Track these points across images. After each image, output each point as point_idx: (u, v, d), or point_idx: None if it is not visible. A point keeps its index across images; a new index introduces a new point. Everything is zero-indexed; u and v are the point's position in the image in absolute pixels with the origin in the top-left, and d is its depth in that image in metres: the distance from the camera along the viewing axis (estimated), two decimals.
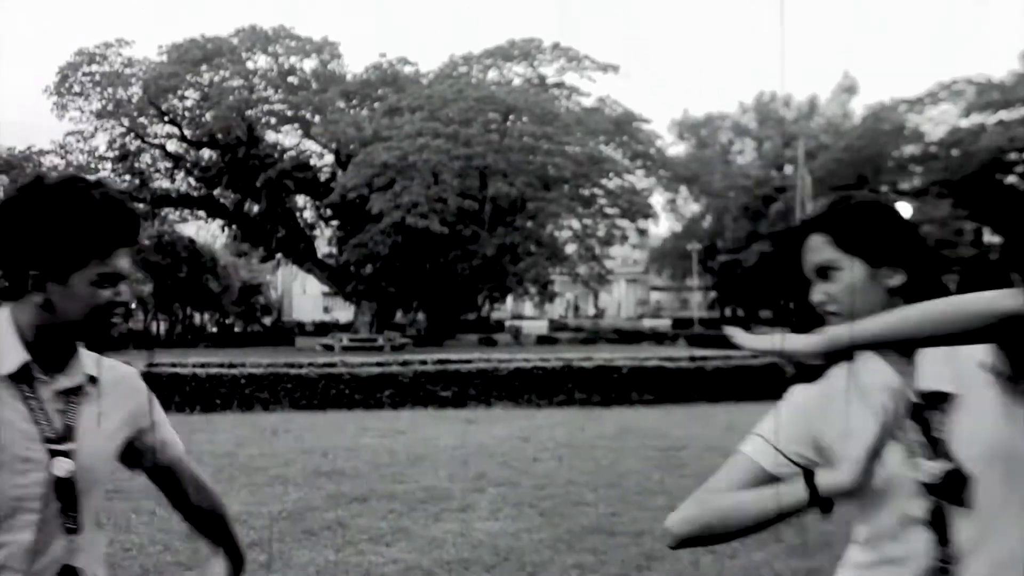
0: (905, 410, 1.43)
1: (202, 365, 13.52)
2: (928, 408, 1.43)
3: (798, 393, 1.58)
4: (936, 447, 1.41)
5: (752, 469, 1.56)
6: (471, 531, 5.67)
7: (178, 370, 12.84)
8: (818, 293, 1.51)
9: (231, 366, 13.50)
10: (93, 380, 1.61)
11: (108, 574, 1.66)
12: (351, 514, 6.12)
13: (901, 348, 1.45)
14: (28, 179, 1.59)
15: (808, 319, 1.56)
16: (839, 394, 1.47)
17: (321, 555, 5.12)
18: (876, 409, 1.37)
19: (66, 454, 1.51)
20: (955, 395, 1.43)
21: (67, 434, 1.53)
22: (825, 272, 1.50)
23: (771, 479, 1.53)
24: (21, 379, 1.52)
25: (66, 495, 1.50)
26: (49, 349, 1.56)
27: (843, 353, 1.43)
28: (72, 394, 1.57)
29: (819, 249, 1.51)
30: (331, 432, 10.17)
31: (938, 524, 1.41)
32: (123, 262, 1.56)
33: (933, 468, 1.40)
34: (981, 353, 1.42)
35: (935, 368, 1.45)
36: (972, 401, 1.42)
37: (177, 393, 12.40)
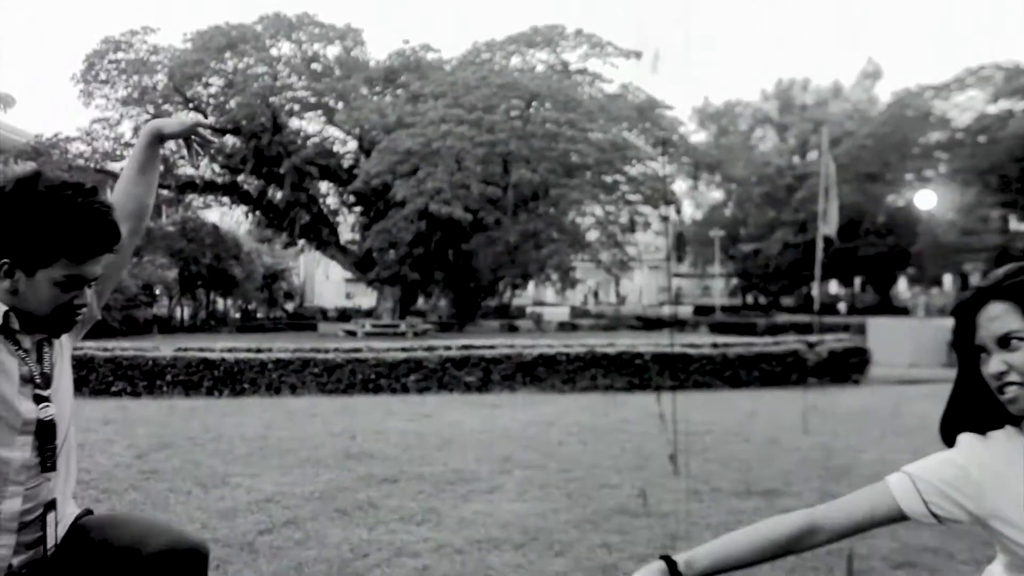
0: None
1: (230, 350, 13.71)
2: None
3: (966, 445, 1.55)
4: None
5: (889, 503, 1.56)
6: (499, 511, 5.78)
7: (207, 355, 13.05)
8: (997, 363, 1.48)
9: (258, 351, 13.68)
10: None
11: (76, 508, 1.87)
12: (382, 495, 6.25)
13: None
14: (27, 174, 1.70)
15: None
16: (1014, 461, 1.50)
17: (354, 533, 5.25)
18: None
19: (47, 399, 1.68)
20: None
21: (45, 381, 1.69)
22: (1007, 342, 1.47)
23: (901, 518, 1.57)
24: (5, 333, 1.68)
25: (45, 436, 1.68)
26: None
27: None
28: (45, 344, 1.74)
29: (1001, 318, 1.48)
30: (358, 416, 10.31)
31: None
32: (93, 268, 1.69)
33: None
34: None
35: None
36: None
37: (206, 377, 12.65)
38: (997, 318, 1.48)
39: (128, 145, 36.91)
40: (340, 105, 36.02)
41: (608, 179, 36.44)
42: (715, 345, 14.97)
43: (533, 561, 4.73)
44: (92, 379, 12.74)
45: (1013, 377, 1.46)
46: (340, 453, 7.85)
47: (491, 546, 5.01)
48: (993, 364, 1.48)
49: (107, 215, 1.74)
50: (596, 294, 61.24)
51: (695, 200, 50.09)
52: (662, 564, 1.55)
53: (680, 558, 1.55)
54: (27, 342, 1.76)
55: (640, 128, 37.25)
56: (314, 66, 36.39)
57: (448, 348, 14.17)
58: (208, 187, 38.98)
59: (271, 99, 35.50)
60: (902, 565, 4.61)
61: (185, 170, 38.42)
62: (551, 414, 10.66)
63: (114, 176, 37.68)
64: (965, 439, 1.56)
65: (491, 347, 14.44)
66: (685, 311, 47.79)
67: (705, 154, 42.56)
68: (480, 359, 13.59)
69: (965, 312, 1.53)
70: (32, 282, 1.68)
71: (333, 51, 37.17)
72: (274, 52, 36.36)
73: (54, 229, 1.66)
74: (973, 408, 1.56)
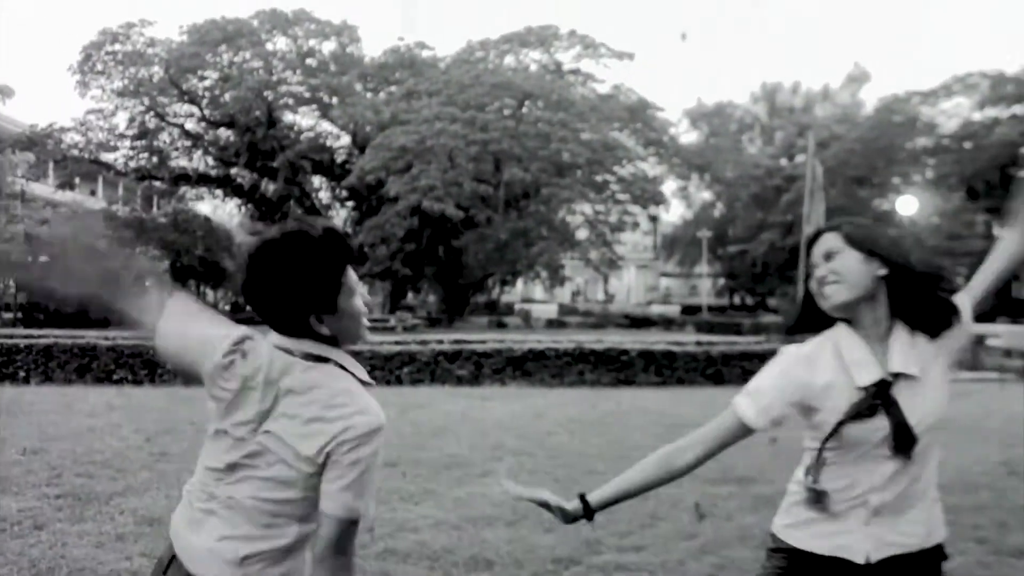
0: (876, 383, 1.97)
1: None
2: (894, 385, 1.97)
3: (785, 354, 2.07)
4: (893, 414, 1.96)
5: (734, 423, 2.07)
6: (492, 493, 6.19)
7: None
8: (822, 270, 2.03)
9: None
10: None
11: None
12: (381, 477, 6.64)
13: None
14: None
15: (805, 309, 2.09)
16: (824, 356, 2.02)
17: None
18: (851, 375, 1.97)
19: None
20: (917, 377, 1.98)
21: None
22: (830, 256, 2.03)
23: (747, 431, 2.06)
24: None
25: None
26: None
27: (827, 321, 2.04)
28: None
29: (828, 241, 2.05)
30: None
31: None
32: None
33: (886, 427, 1.96)
34: (934, 347, 2.03)
35: (903, 353, 1.99)
36: (927, 383, 1.99)
37: None
38: (825, 242, 2.05)
39: (122, 136, 37.21)
40: (334, 101, 36.35)
41: (599, 179, 36.87)
42: (699, 343, 15.41)
43: (524, 536, 5.15)
44: (94, 367, 13.10)
45: (831, 277, 2.00)
46: None
47: (485, 523, 5.43)
48: (819, 271, 2.04)
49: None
50: (576, 293, 61.52)
51: (685, 200, 50.54)
52: (577, 500, 2.14)
53: (591, 495, 2.14)
54: None
55: (631, 128, 37.69)
56: (309, 61, 36.71)
57: (440, 342, 14.57)
58: (201, 179, 39.26)
59: (266, 93, 35.79)
60: None
61: (178, 162, 38.75)
62: (540, 406, 11.08)
63: (107, 167, 37.96)
64: (786, 349, 2.09)
65: (482, 342, 14.86)
66: (672, 310, 48.30)
67: (695, 155, 43.05)
68: (472, 353, 14.00)
69: (808, 245, 2.13)
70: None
71: (328, 47, 37.50)
72: (270, 47, 36.67)
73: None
74: (809, 317, 2.09)
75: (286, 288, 1.76)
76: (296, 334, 1.80)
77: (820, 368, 2.00)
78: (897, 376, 1.96)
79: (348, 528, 1.71)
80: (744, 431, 2.05)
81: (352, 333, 1.86)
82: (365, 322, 1.88)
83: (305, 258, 1.75)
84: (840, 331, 2.03)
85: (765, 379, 2.05)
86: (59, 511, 5.54)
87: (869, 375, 1.96)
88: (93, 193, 41.79)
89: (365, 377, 1.84)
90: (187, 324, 1.93)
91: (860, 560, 1.99)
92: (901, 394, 1.95)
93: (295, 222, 1.85)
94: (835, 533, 2.01)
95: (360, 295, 1.85)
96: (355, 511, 1.71)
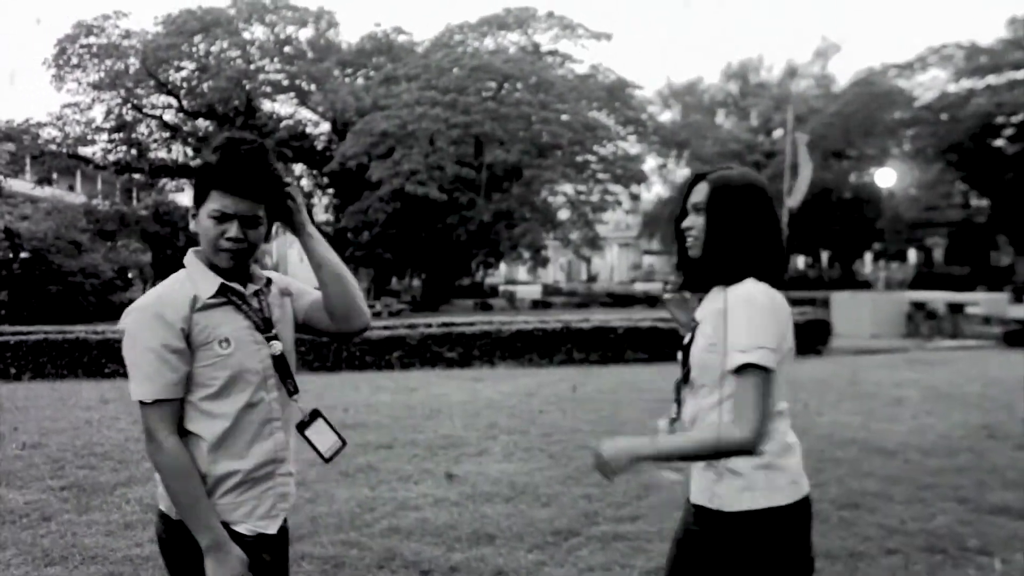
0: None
1: None
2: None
3: (764, 293, 2.02)
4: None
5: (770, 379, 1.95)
6: (488, 471, 6.35)
7: None
8: (688, 221, 2.15)
9: None
10: (269, 282, 2.19)
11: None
12: (379, 459, 6.80)
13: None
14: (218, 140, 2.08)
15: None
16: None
17: (359, 492, 5.79)
18: None
19: (274, 336, 2.13)
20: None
21: (266, 324, 2.11)
22: (697, 209, 2.13)
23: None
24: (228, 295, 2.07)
25: (282, 368, 2.13)
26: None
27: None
28: (261, 293, 2.14)
29: (699, 192, 2.14)
30: (347, 391, 10.83)
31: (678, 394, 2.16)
32: (239, 205, 1.99)
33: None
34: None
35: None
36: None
37: None
38: (698, 192, 2.14)
39: (100, 129, 36.92)
40: (313, 88, 36.21)
41: (580, 159, 36.94)
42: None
43: (523, 511, 5.31)
44: (85, 361, 13.14)
45: (692, 232, 2.14)
46: (335, 424, 8.34)
47: (483, 500, 5.58)
48: (686, 221, 2.16)
49: (251, 159, 1.98)
50: (566, 271, 61.72)
51: (664, 178, 50.58)
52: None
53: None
54: (246, 294, 2.08)
55: (610, 108, 37.75)
56: (287, 49, 36.53)
57: (429, 326, 14.70)
58: (181, 171, 39.02)
59: (244, 83, 35.61)
60: (846, 506, 5.25)
61: (157, 154, 38.51)
62: (530, 386, 11.24)
63: (86, 161, 37.69)
64: (755, 286, 2.07)
65: (470, 324, 15.00)
66: (656, 287, 48.53)
67: (674, 133, 43.16)
68: (460, 335, 14.14)
69: (689, 186, 2.20)
70: (198, 218, 2.04)
71: (306, 34, 37.33)
72: (247, 35, 36.42)
73: (208, 167, 2.00)
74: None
75: None
76: None
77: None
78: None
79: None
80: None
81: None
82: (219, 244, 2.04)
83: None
84: None
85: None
86: (65, 502, 5.65)
87: None
88: (72, 188, 41.48)
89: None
90: None
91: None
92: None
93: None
94: None
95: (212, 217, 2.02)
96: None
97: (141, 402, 1.99)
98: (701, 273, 2.16)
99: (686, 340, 2.17)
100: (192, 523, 1.98)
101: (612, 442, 2.02)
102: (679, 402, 2.15)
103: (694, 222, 2.13)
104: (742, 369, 1.93)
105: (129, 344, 2.02)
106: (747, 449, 1.92)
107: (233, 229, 2.02)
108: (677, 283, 2.28)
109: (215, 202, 2.01)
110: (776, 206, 2.14)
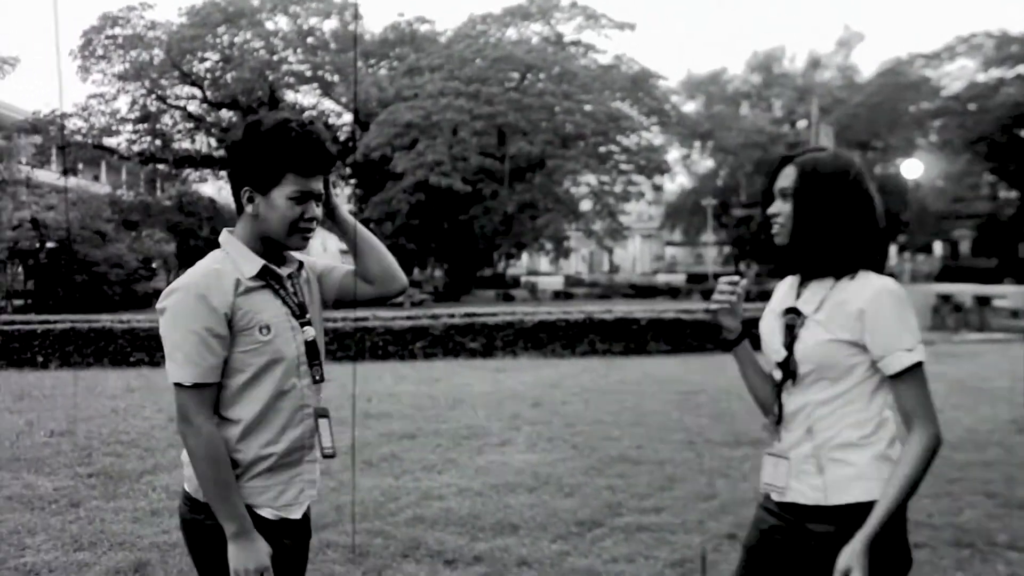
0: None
1: None
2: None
3: (897, 287, 1.99)
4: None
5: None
6: (512, 461, 6.35)
7: None
8: (775, 207, 2.05)
9: None
10: (301, 266, 2.19)
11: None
12: (403, 448, 6.82)
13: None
14: (252, 118, 2.09)
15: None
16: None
17: (383, 481, 5.81)
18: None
19: (307, 322, 2.13)
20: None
21: (301, 309, 2.11)
22: (784, 194, 2.03)
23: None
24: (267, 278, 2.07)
25: (312, 353, 2.13)
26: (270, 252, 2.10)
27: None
28: (295, 276, 2.14)
29: (787, 176, 2.03)
30: (371, 380, 10.85)
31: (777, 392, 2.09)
32: (316, 184, 2.05)
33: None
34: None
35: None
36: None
37: None
38: (786, 176, 2.04)
39: (124, 120, 37.18)
40: (336, 79, 36.27)
41: (603, 150, 36.81)
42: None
43: (546, 501, 5.31)
44: (111, 350, 13.26)
45: (779, 219, 2.03)
46: (359, 413, 8.37)
47: (507, 490, 5.58)
48: (772, 207, 2.06)
49: (319, 138, 2.04)
50: (588, 262, 61.60)
51: (688, 169, 50.35)
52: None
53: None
54: (283, 277, 2.07)
55: (633, 98, 37.58)
56: (310, 40, 36.58)
57: (452, 316, 14.71)
58: (205, 161, 39.25)
59: (267, 73, 35.72)
60: None
61: (181, 144, 38.74)
62: (553, 377, 11.23)
63: (110, 151, 37.99)
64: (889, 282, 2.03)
65: (493, 315, 14.99)
66: (678, 279, 48.38)
67: (697, 123, 42.90)
68: (483, 326, 14.14)
69: (775, 171, 2.10)
70: (268, 200, 2.03)
71: (329, 25, 37.34)
72: (270, 26, 36.52)
73: (280, 151, 2.01)
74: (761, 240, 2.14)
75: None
76: None
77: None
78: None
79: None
80: None
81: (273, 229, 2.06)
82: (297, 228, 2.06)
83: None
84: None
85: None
86: (93, 489, 5.70)
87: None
88: (97, 178, 41.79)
89: None
90: None
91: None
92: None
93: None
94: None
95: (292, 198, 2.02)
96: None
97: (178, 384, 1.98)
98: (789, 261, 2.09)
99: (777, 338, 2.11)
100: (219, 509, 1.98)
101: (845, 558, 1.85)
102: (780, 403, 2.08)
103: (780, 208, 2.03)
104: (912, 367, 1.92)
105: (170, 324, 1.99)
106: (939, 443, 1.91)
107: (312, 208, 2.06)
108: (763, 269, 2.20)
109: (294, 184, 2.03)
110: (873, 188, 2.05)
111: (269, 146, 2.02)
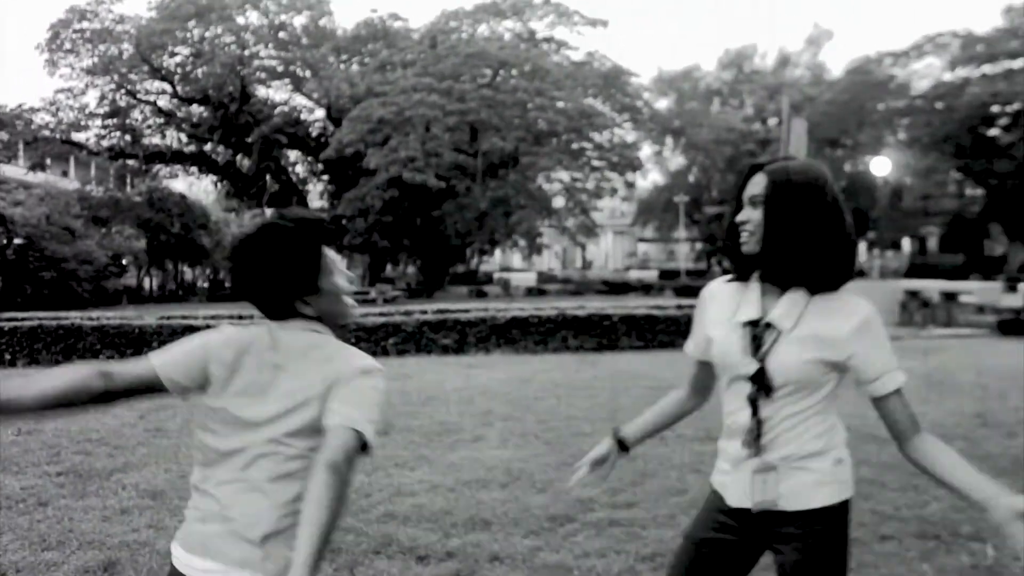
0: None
1: (212, 317, 14.14)
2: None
3: (873, 309, 2.03)
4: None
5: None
6: (484, 457, 6.36)
7: (190, 322, 13.47)
8: (743, 214, 2.01)
9: (240, 317, 14.06)
10: None
11: None
12: (375, 445, 6.80)
13: None
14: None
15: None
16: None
17: (356, 478, 5.79)
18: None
19: None
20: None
21: None
22: (754, 202, 2.00)
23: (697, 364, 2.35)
24: None
25: None
26: None
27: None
28: None
29: (757, 183, 1.99)
30: None
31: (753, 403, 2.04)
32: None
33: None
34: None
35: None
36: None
37: None
38: (756, 184, 2.00)
39: (93, 115, 36.77)
40: (308, 74, 36.09)
41: (575, 146, 36.92)
42: (679, 307, 15.62)
43: (518, 497, 5.32)
44: (80, 347, 13.13)
45: (748, 227, 2.00)
46: None
47: (479, 486, 5.59)
48: (741, 215, 2.02)
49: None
50: (560, 258, 61.74)
51: (660, 166, 50.57)
52: (610, 439, 2.33)
53: (623, 431, 2.34)
54: None
55: (606, 95, 37.70)
56: (282, 35, 36.39)
57: (424, 312, 14.69)
58: (175, 157, 38.93)
59: (239, 68, 35.46)
60: None
61: (151, 140, 38.38)
62: (526, 373, 11.25)
63: (79, 147, 37.55)
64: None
65: (466, 311, 15.00)
66: (651, 275, 48.60)
67: (669, 120, 43.10)
68: (455, 322, 14.14)
69: (744, 179, 2.06)
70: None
71: (300, 20, 37.16)
72: (241, 21, 36.26)
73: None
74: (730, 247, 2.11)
75: (267, 276, 1.89)
76: (284, 317, 1.94)
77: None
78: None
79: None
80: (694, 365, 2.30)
81: (336, 311, 1.99)
82: (348, 300, 2.02)
83: (280, 247, 1.88)
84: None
85: None
86: (61, 488, 5.65)
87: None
88: (65, 174, 41.35)
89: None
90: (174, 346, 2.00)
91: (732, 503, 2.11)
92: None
93: (273, 213, 2.01)
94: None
95: (341, 273, 1.99)
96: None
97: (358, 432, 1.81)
98: (757, 269, 2.05)
99: (737, 348, 2.05)
100: (319, 555, 1.59)
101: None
102: (757, 415, 2.04)
103: (750, 215, 1.99)
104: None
105: None
106: None
107: None
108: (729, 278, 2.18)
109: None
110: (841, 198, 2.03)
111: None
